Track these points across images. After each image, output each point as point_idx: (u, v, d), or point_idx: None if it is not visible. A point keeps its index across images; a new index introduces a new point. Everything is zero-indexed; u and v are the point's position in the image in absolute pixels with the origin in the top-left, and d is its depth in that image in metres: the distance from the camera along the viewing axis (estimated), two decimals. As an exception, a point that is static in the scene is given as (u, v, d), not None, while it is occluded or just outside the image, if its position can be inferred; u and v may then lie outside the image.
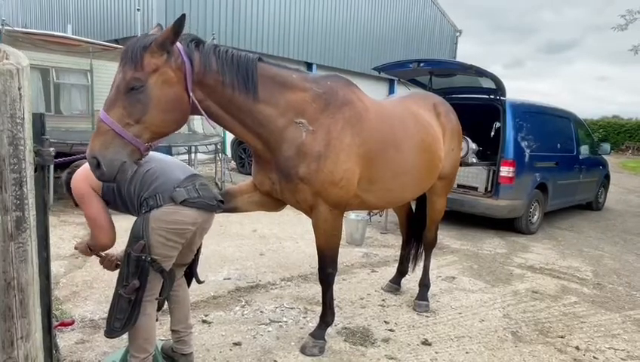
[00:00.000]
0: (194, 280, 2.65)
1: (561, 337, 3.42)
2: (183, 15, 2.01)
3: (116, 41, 11.89)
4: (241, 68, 2.34)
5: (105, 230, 2.19)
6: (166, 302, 2.51)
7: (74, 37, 9.72)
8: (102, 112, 2.01)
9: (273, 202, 2.88)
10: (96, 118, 9.13)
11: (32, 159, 1.38)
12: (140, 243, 2.06)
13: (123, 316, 2.10)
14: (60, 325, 2.97)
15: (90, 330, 3.03)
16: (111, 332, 2.13)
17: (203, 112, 2.23)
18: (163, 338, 2.94)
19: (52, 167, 5.67)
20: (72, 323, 3.06)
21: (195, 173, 2.34)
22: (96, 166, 1.97)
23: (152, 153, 2.30)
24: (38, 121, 1.53)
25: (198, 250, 2.53)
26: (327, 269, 2.89)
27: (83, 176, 2.21)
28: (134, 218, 2.21)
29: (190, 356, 2.57)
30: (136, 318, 2.13)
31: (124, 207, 2.28)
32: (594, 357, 3.14)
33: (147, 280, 2.11)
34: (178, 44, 2.14)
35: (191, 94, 2.16)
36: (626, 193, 12.11)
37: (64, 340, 2.85)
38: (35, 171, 1.45)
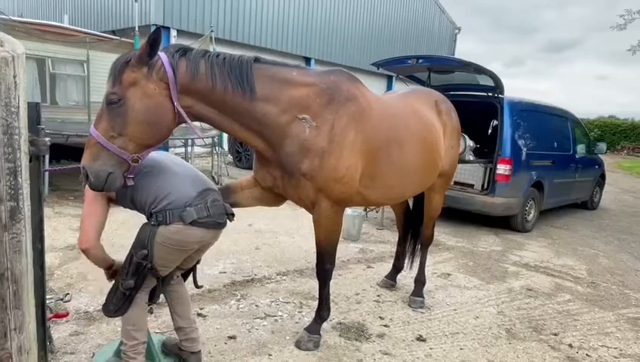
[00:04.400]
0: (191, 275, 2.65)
1: (555, 335, 3.44)
2: (158, 29, 2.08)
3: (113, 32, 11.80)
4: (234, 69, 2.34)
5: (86, 234, 2.14)
6: (163, 297, 2.50)
7: (70, 27, 9.64)
8: (91, 126, 2.12)
9: (274, 197, 2.87)
10: (92, 110, 9.09)
11: (27, 149, 1.37)
12: (143, 252, 2.13)
13: (117, 303, 2.21)
14: (54, 317, 2.95)
15: (85, 322, 3.02)
16: (106, 311, 2.24)
17: (188, 120, 2.24)
18: (158, 330, 2.94)
19: (47, 157, 5.63)
20: (67, 314, 3.05)
21: (209, 186, 2.32)
22: (86, 176, 2.08)
23: (164, 158, 2.34)
24: (34, 111, 1.51)
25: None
26: (325, 265, 2.89)
27: None
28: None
29: (199, 354, 2.55)
30: (127, 309, 2.22)
31: (137, 209, 2.28)
32: (587, 355, 3.16)
33: (143, 281, 2.21)
34: (163, 55, 2.17)
35: (175, 103, 2.17)
36: (620, 193, 12.17)
37: (58, 332, 2.84)
38: (30, 161, 1.43)
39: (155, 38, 2.06)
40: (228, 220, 2.33)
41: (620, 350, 3.29)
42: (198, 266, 2.63)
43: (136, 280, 2.17)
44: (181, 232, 2.13)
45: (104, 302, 2.25)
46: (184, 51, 2.26)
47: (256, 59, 2.46)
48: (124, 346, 2.26)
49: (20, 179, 1.31)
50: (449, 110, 3.65)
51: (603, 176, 9.42)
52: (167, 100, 2.15)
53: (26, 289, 1.37)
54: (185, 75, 2.21)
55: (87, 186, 2.18)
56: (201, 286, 2.74)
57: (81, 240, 2.17)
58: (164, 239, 2.13)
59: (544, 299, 4.16)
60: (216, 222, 2.23)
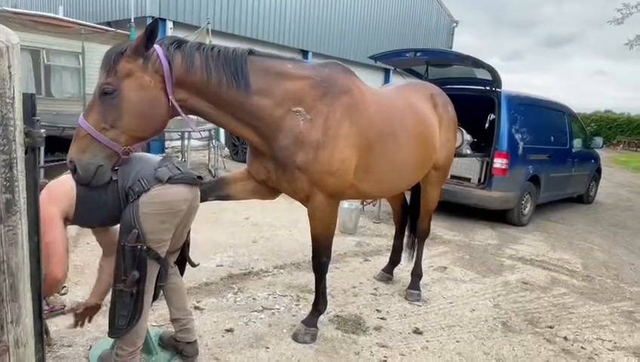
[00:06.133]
0: (187, 267, 2.64)
1: (550, 327, 3.46)
2: (156, 20, 2.05)
3: (109, 24, 11.68)
4: (229, 62, 2.32)
5: (60, 256, 1.99)
6: (161, 291, 2.49)
7: (65, 18, 9.53)
8: (80, 117, 2.06)
9: (268, 190, 2.87)
10: (87, 102, 9.06)
11: (23, 140, 1.35)
12: (134, 232, 2.01)
13: (127, 312, 2.06)
14: (50, 310, 2.95)
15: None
16: (116, 331, 2.10)
17: (182, 114, 2.22)
18: (155, 324, 2.94)
19: (42, 149, 5.60)
20: (63, 308, 3.04)
21: (167, 155, 2.32)
22: (74, 170, 2.01)
23: None
24: (29, 102, 1.49)
25: (187, 235, 2.51)
26: (321, 258, 2.89)
27: (47, 198, 2.05)
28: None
29: (195, 343, 2.54)
30: (141, 312, 2.08)
31: (116, 213, 2.13)
32: (582, 348, 3.19)
33: (147, 269, 2.07)
34: (158, 47, 2.14)
35: (170, 97, 2.14)
36: (616, 187, 12.23)
37: (55, 325, 2.83)
38: (26, 153, 1.42)
39: (153, 29, 2.03)
40: (200, 182, 2.30)
41: (615, 342, 3.32)
42: (190, 256, 2.62)
43: (139, 269, 2.03)
44: (164, 193, 2.05)
45: (109, 325, 2.10)
46: (179, 44, 2.23)
47: (251, 52, 2.44)
48: (122, 351, 2.16)
49: (15, 171, 1.29)
50: (445, 103, 3.64)
51: (599, 171, 9.46)
52: (162, 93, 2.13)
53: (22, 281, 1.36)
54: (180, 67, 2.19)
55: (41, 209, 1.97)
56: (198, 264, 2.71)
57: (55, 269, 1.96)
58: (150, 207, 2.03)
59: (540, 293, 4.18)
60: (191, 178, 2.19)
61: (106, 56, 2.09)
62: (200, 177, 2.33)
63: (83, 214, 2.11)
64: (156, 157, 2.28)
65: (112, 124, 2.04)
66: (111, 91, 2.03)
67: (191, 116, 2.40)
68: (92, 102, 2.08)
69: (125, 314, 2.06)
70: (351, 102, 2.68)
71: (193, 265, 2.63)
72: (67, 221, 2.11)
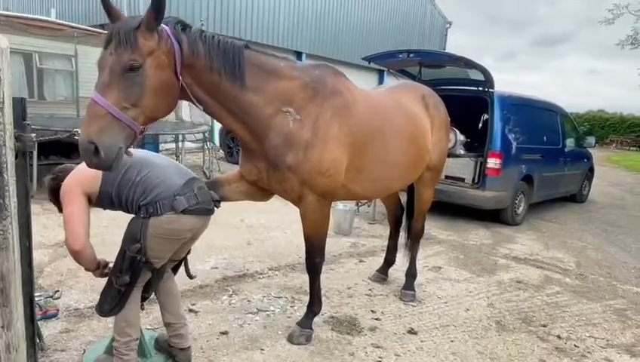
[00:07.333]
0: (180, 270, 2.64)
1: (544, 326, 3.48)
2: None
3: (101, 26, 11.61)
4: (228, 54, 2.32)
5: (75, 234, 2.09)
6: (154, 293, 2.49)
7: (58, 21, 9.48)
8: (96, 95, 1.90)
9: (261, 192, 2.87)
10: (81, 105, 8.99)
11: (13, 145, 1.35)
12: (137, 245, 2.11)
13: (112, 301, 2.19)
14: (43, 314, 2.93)
15: (75, 319, 3.00)
16: (100, 311, 2.23)
17: (191, 96, 2.22)
18: (149, 327, 2.93)
19: (35, 153, 5.56)
20: (57, 311, 3.03)
21: (192, 175, 2.34)
22: (94, 152, 1.84)
23: (148, 155, 2.33)
24: (19, 106, 1.49)
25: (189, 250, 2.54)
26: (314, 258, 2.90)
27: (78, 179, 2.16)
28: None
29: (188, 350, 2.54)
30: (123, 306, 2.20)
31: (124, 210, 2.26)
32: (575, 346, 3.21)
33: (137, 277, 2.19)
34: (166, 27, 2.11)
35: (180, 78, 2.14)
36: (609, 186, 12.32)
37: (48, 329, 2.82)
38: (17, 158, 1.42)
39: (160, 1, 1.93)
40: (215, 207, 2.35)
41: (607, 340, 3.35)
42: (188, 260, 2.63)
43: (132, 276, 2.15)
44: (174, 221, 2.13)
45: (98, 302, 2.23)
46: (183, 26, 2.21)
47: (247, 46, 2.45)
48: (116, 342, 2.25)
49: (5, 176, 1.29)
50: (436, 104, 3.66)
51: (592, 170, 9.52)
52: (174, 74, 2.12)
53: (13, 286, 1.36)
54: (188, 51, 2.17)
55: (66, 186, 2.12)
56: (194, 277, 2.72)
57: (70, 241, 2.10)
58: (158, 230, 2.12)
59: (533, 291, 4.21)
60: (205, 209, 2.24)
61: (120, 32, 1.95)
62: (218, 201, 2.38)
63: (103, 199, 2.21)
64: (181, 174, 2.28)
65: (134, 103, 1.95)
66: (137, 67, 1.94)
67: (187, 112, 2.39)
68: (109, 80, 1.91)
69: (110, 302, 2.18)
70: (341, 104, 2.70)
71: (190, 276, 2.64)
72: (91, 202, 2.20)
